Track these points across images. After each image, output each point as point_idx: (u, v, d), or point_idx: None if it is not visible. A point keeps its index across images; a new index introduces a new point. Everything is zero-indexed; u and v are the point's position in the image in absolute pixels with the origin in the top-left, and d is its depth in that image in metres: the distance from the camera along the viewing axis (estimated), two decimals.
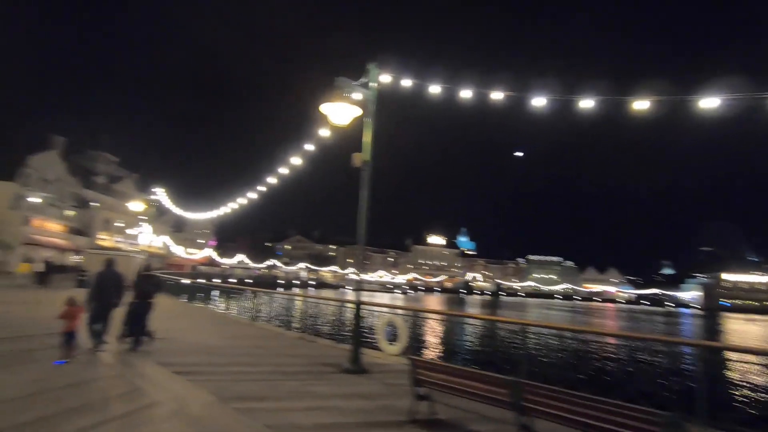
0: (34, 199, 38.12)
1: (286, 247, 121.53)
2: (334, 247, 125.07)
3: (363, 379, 5.93)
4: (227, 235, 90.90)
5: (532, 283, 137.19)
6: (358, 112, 6.44)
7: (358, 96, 6.66)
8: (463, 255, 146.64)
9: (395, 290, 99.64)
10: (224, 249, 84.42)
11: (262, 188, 14.38)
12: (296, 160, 10.64)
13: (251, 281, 68.02)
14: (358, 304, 6.67)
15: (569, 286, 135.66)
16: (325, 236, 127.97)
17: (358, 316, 6.58)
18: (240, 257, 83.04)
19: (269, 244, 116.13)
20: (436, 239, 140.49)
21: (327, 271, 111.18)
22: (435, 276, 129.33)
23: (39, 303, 13.35)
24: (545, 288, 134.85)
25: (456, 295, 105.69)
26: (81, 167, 51.07)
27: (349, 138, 8.64)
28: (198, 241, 76.87)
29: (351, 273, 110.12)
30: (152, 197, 20.91)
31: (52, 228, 41.80)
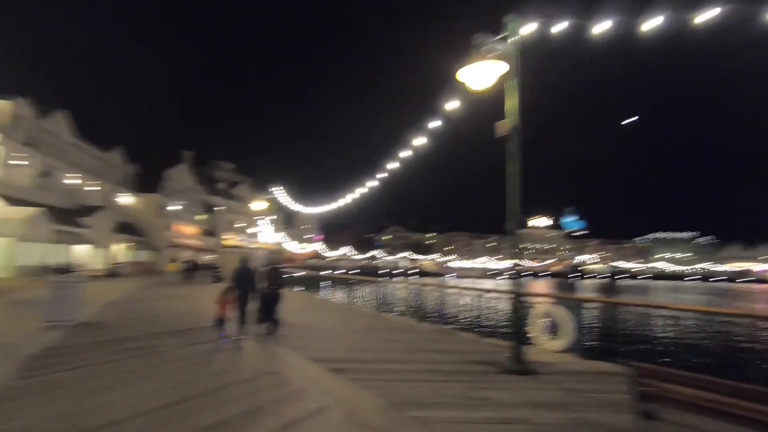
0: (173, 207, 43.82)
1: (384, 238, 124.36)
2: (432, 235, 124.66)
3: (534, 382, 5.08)
4: (331, 229, 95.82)
5: (658, 264, 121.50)
6: (503, 68, 5.51)
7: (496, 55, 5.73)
8: (572, 236, 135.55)
9: (499, 276, 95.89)
10: (329, 242, 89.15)
11: (377, 179, 14.20)
12: (401, 149, 10.02)
13: (356, 272, 70.87)
14: (518, 294, 5.79)
15: (705, 265, 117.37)
16: (421, 225, 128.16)
17: (518, 308, 5.71)
18: (344, 250, 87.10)
19: (369, 236, 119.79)
20: (540, 221, 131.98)
21: (427, 260, 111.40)
22: (541, 260, 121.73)
23: (190, 297, 14.88)
24: (674, 269, 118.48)
25: (565, 279, 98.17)
26: (206, 176, 57.59)
27: (474, 108, 7.75)
28: (305, 236, 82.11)
29: (452, 260, 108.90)
30: (270, 196, 22.19)
31: (188, 231, 47.77)
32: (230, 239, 57.54)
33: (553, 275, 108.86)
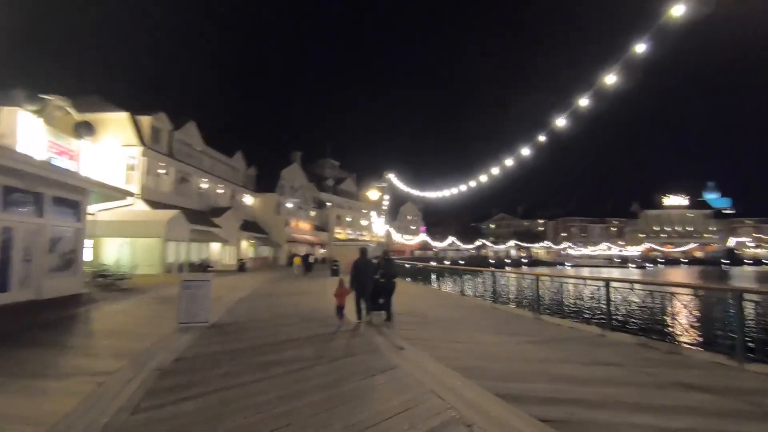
0: (289, 205, 46.12)
1: (490, 226, 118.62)
2: (542, 221, 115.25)
3: None
4: (434, 220, 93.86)
5: None
6: None
7: None
8: (718, 216, 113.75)
9: (627, 264, 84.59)
10: (433, 233, 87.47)
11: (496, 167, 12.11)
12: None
13: (463, 262, 68.09)
14: None
15: None
16: (530, 211, 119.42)
17: None
18: (449, 240, 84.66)
19: (474, 225, 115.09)
20: (674, 199, 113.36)
21: (539, 248, 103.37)
22: (677, 245, 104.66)
23: (313, 292, 14.32)
24: None
25: (715, 267, 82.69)
26: (314, 174, 60.01)
27: None
28: (411, 227, 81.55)
29: (567, 248, 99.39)
30: (381, 184, 21.11)
31: (302, 227, 50.06)
32: (341, 233, 59.33)
33: (698, 262, 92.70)
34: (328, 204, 59.09)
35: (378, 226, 49.33)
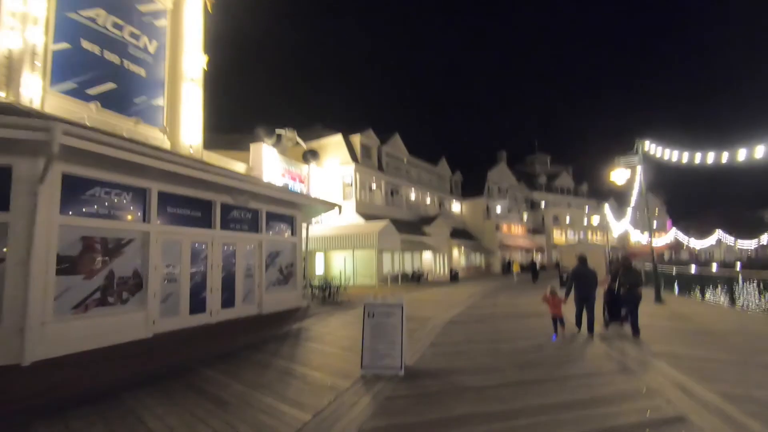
0: (498, 208, 42.63)
1: None
2: None
3: None
4: (685, 213, 73.02)
5: None
6: None
7: None
8: None
9: None
10: (687, 229, 67.84)
11: None
12: None
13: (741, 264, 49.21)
14: None
15: None
16: None
17: None
18: (716, 236, 63.84)
19: (749, 213, 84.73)
20: None
21: None
22: None
23: (546, 312, 10.68)
24: None
25: None
26: (523, 173, 54.62)
27: None
28: (653, 222, 65.45)
29: None
30: (631, 158, 15.30)
31: (514, 231, 45.60)
32: (560, 236, 51.89)
33: None
34: (541, 204, 52.71)
35: (615, 224, 40.20)
